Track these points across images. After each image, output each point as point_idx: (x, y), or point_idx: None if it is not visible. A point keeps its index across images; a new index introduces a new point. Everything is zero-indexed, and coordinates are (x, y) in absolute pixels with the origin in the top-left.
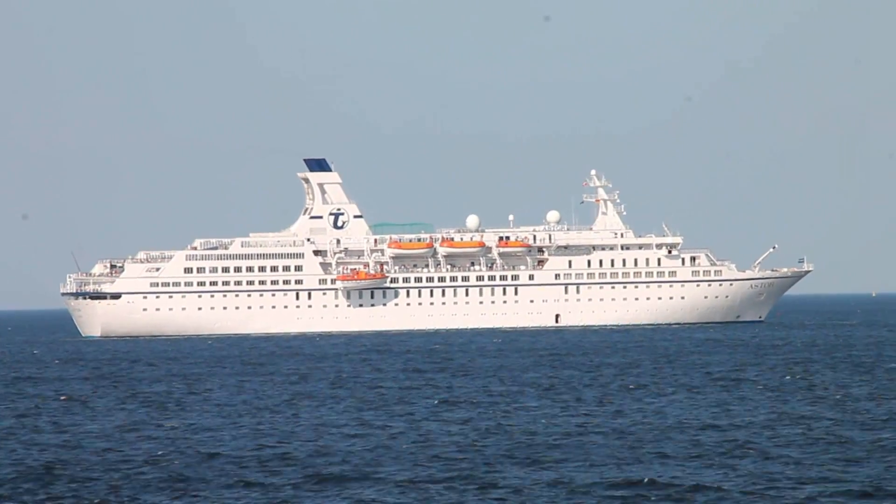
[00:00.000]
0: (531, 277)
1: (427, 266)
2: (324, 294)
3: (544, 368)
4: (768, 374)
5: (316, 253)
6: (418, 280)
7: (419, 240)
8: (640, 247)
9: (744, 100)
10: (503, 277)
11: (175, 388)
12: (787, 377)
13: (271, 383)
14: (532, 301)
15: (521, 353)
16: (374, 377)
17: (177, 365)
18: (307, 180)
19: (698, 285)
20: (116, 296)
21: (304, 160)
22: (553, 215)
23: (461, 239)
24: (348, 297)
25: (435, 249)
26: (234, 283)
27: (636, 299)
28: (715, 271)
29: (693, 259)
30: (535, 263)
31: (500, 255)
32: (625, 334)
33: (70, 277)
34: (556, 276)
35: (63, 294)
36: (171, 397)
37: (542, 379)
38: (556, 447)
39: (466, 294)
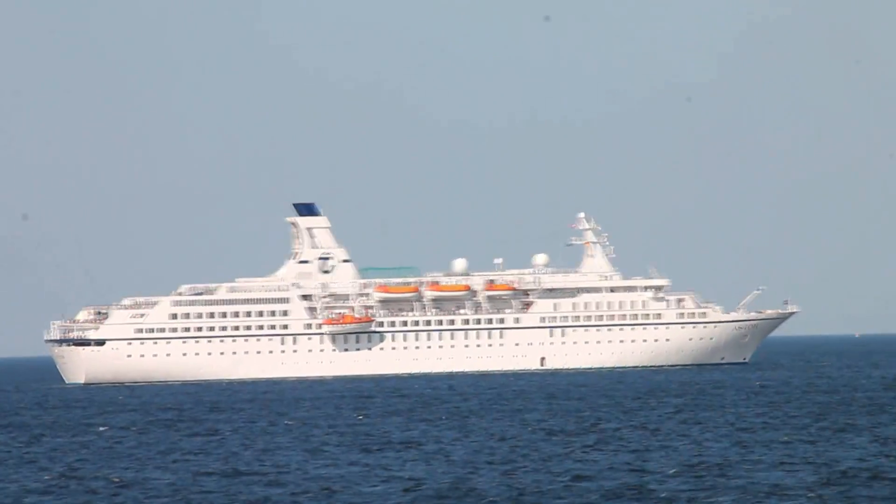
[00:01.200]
0: (517, 320)
1: (413, 309)
2: (309, 339)
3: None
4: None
5: (303, 297)
6: (404, 324)
7: (406, 283)
8: (627, 289)
9: (736, 140)
10: (489, 321)
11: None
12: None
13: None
14: (517, 344)
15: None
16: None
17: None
18: (295, 224)
19: (683, 327)
20: (101, 342)
21: (294, 204)
22: (541, 258)
23: (448, 282)
24: (334, 341)
25: (421, 293)
26: (220, 329)
27: (621, 342)
28: (700, 313)
29: (679, 301)
30: (522, 306)
31: (487, 298)
32: (591, 377)
33: (54, 324)
34: (542, 318)
35: (47, 341)
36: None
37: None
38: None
39: (452, 337)
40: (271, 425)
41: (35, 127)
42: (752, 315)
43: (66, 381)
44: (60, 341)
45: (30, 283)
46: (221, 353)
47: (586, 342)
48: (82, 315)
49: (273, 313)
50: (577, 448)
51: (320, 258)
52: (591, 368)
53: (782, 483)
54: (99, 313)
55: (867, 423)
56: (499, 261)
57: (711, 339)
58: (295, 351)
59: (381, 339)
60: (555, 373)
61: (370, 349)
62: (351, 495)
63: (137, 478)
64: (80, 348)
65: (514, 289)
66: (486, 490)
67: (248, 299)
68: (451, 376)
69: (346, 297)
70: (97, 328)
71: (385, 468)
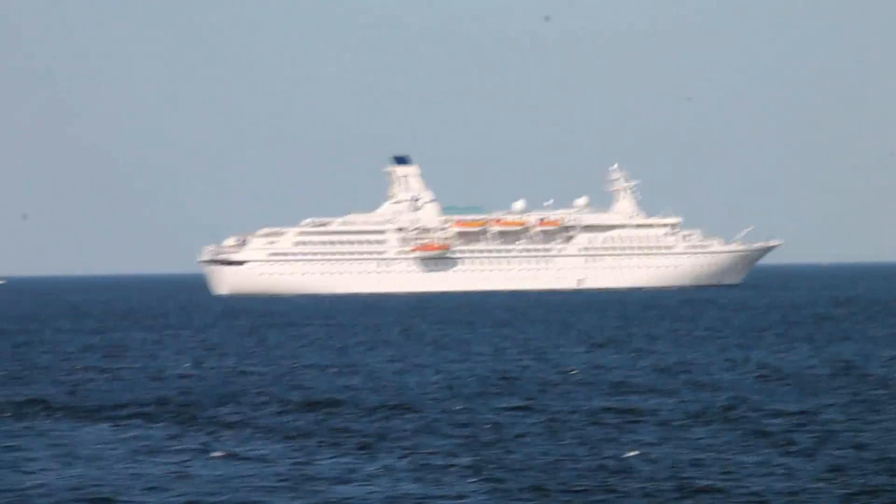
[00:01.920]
0: (561, 250)
1: (482, 240)
2: (401, 262)
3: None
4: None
5: (397, 230)
6: (475, 251)
7: (477, 219)
8: (648, 226)
9: (745, 104)
10: (539, 250)
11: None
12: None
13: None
14: (560, 269)
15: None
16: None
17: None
18: (393, 172)
19: (690, 256)
20: (241, 263)
21: (392, 157)
22: (582, 200)
23: (509, 219)
24: (420, 264)
25: (488, 227)
26: (333, 254)
27: (640, 267)
28: (704, 245)
29: (688, 236)
30: (566, 239)
31: (539, 232)
32: (617, 294)
33: (205, 248)
34: (581, 248)
35: (200, 261)
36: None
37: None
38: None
39: (510, 263)
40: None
41: (166, 62)
42: (744, 247)
43: (214, 293)
44: (210, 262)
45: (187, 214)
46: (333, 273)
47: (614, 268)
48: (228, 241)
49: (374, 242)
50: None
51: (412, 199)
52: (617, 288)
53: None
54: (241, 240)
55: (806, 330)
56: (550, 202)
57: (713, 266)
58: (389, 272)
59: (457, 264)
60: (589, 291)
61: (447, 271)
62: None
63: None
64: (226, 267)
65: (560, 225)
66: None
67: (355, 230)
68: (509, 293)
69: (430, 230)
70: (239, 252)
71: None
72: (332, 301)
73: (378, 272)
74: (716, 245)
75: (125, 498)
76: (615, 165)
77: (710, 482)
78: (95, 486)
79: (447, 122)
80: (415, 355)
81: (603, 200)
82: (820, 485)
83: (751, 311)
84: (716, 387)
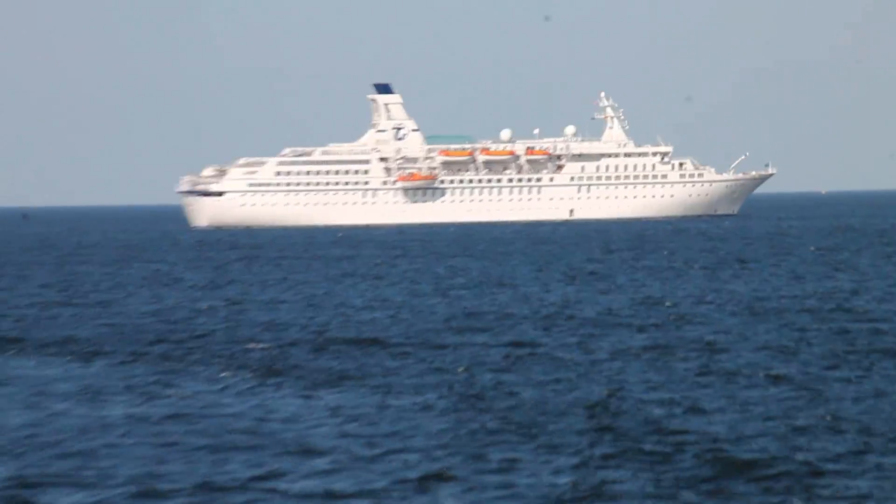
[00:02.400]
0: (551, 180)
1: (469, 170)
2: (386, 192)
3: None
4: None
5: (381, 160)
6: (462, 182)
7: (463, 149)
8: (639, 155)
9: (733, 24)
10: (529, 180)
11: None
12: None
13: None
14: (551, 199)
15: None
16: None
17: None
18: (375, 101)
19: (684, 186)
20: (221, 193)
21: (374, 84)
22: (570, 129)
23: (496, 148)
24: (405, 194)
25: (475, 157)
26: (315, 184)
27: (634, 198)
28: (698, 174)
29: (680, 164)
30: (555, 168)
31: (527, 161)
32: (609, 225)
33: (184, 178)
34: (571, 178)
35: (178, 192)
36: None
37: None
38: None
39: (499, 193)
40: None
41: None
42: (740, 176)
43: (193, 225)
44: (189, 192)
45: (165, 141)
46: (315, 204)
47: (606, 198)
48: (207, 171)
49: (357, 172)
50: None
51: (394, 128)
52: (610, 219)
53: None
54: (219, 170)
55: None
56: (537, 131)
57: (707, 195)
58: (374, 203)
59: (444, 194)
60: (582, 222)
61: (434, 202)
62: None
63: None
64: (205, 198)
65: (549, 154)
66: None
67: (337, 160)
68: (497, 224)
69: (415, 160)
70: (218, 182)
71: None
72: (313, 233)
73: (362, 203)
74: (709, 174)
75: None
76: (602, 93)
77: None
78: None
79: (429, 51)
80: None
81: (591, 130)
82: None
83: (747, 241)
84: (689, 321)
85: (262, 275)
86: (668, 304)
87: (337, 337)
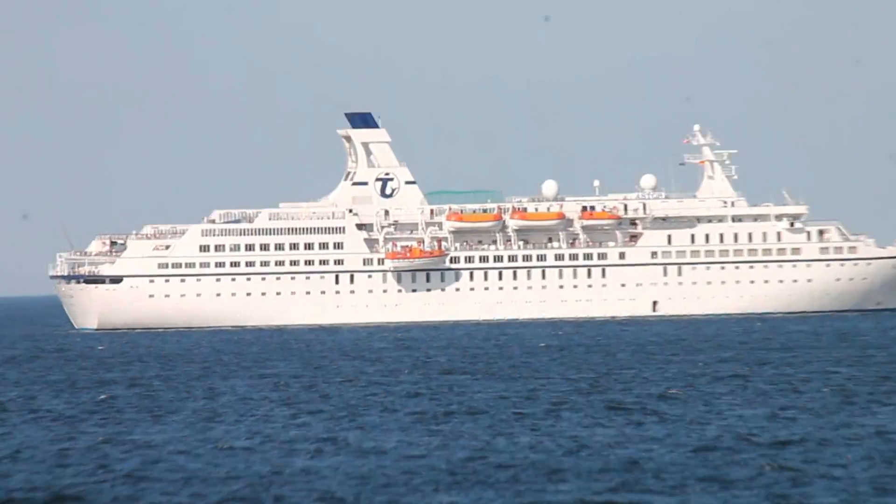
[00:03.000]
0: (622, 256)
1: (495, 242)
2: (369, 276)
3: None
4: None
5: (360, 227)
6: (484, 259)
7: (485, 210)
8: (756, 218)
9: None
10: (588, 256)
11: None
12: None
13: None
14: (623, 285)
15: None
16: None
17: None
18: (349, 139)
19: (828, 265)
20: (117, 279)
21: (346, 115)
22: (648, 180)
23: (536, 209)
24: (399, 279)
25: (504, 222)
26: (261, 264)
27: (751, 282)
28: (849, 248)
29: (821, 233)
30: (627, 239)
31: (584, 228)
32: (736, 324)
33: (61, 257)
34: (653, 253)
35: (52, 277)
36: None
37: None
38: None
39: (543, 276)
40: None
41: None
42: None
43: (76, 326)
44: (68, 277)
45: (32, 200)
46: (263, 294)
47: (708, 283)
48: (94, 246)
49: (325, 245)
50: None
51: (380, 179)
52: (713, 315)
53: None
54: (114, 244)
55: None
56: (597, 183)
57: (864, 279)
58: (352, 291)
59: (457, 278)
60: (670, 320)
61: (443, 290)
62: None
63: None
64: (93, 286)
65: (618, 217)
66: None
67: (294, 228)
68: (542, 322)
69: (412, 227)
70: (113, 262)
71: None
72: (256, 339)
73: (332, 292)
74: (869, 247)
75: None
76: (697, 127)
77: None
78: None
79: (426, 65)
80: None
81: (681, 181)
82: None
83: None
84: None
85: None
86: None
87: None
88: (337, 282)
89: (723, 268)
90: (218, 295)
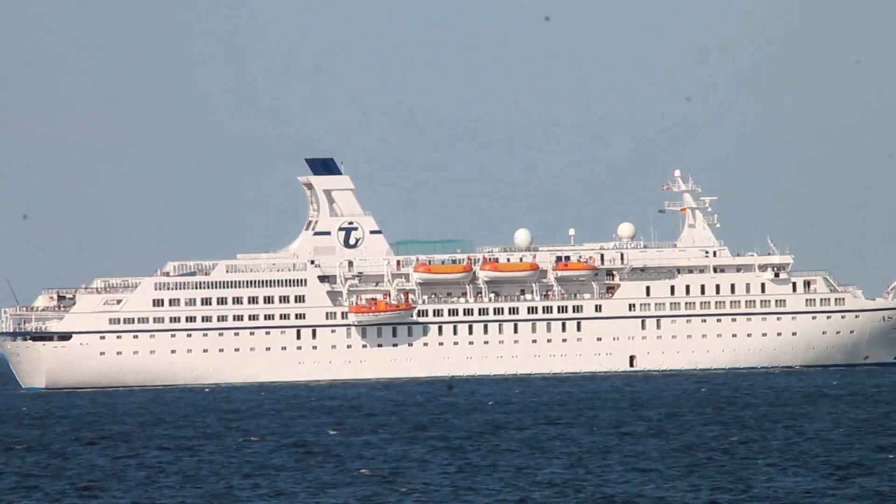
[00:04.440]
0: (598, 308)
1: (465, 295)
2: (333, 331)
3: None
4: None
5: (322, 279)
6: (453, 313)
7: (454, 261)
8: (739, 268)
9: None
10: (562, 309)
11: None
12: None
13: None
14: (600, 339)
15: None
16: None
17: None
18: (310, 186)
19: (814, 317)
20: (66, 336)
21: (307, 160)
22: (626, 229)
23: (508, 260)
24: (364, 334)
25: (475, 273)
26: (218, 319)
27: (734, 336)
28: (836, 299)
29: (807, 284)
30: (604, 291)
31: (559, 280)
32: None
33: (6, 313)
34: (631, 306)
35: None
36: None
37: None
38: None
39: (515, 330)
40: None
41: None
42: None
43: (24, 385)
44: (14, 334)
45: None
46: (220, 350)
47: (689, 336)
48: (41, 300)
49: (285, 299)
50: None
51: (343, 228)
52: (693, 370)
53: None
54: (62, 298)
55: None
56: (572, 232)
57: (852, 332)
58: (314, 347)
59: (425, 332)
60: (647, 376)
61: (411, 345)
62: None
63: None
64: (40, 343)
65: (594, 268)
66: None
67: (252, 281)
68: (512, 380)
69: (377, 279)
70: (61, 318)
71: None
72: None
73: (294, 348)
74: (857, 299)
75: None
76: (677, 172)
77: None
78: None
79: (386, 108)
80: None
81: (660, 230)
82: None
83: None
84: None
85: None
86: None
87: None
88: (298, 337)
89: (704, 320)
90: (173, 352)
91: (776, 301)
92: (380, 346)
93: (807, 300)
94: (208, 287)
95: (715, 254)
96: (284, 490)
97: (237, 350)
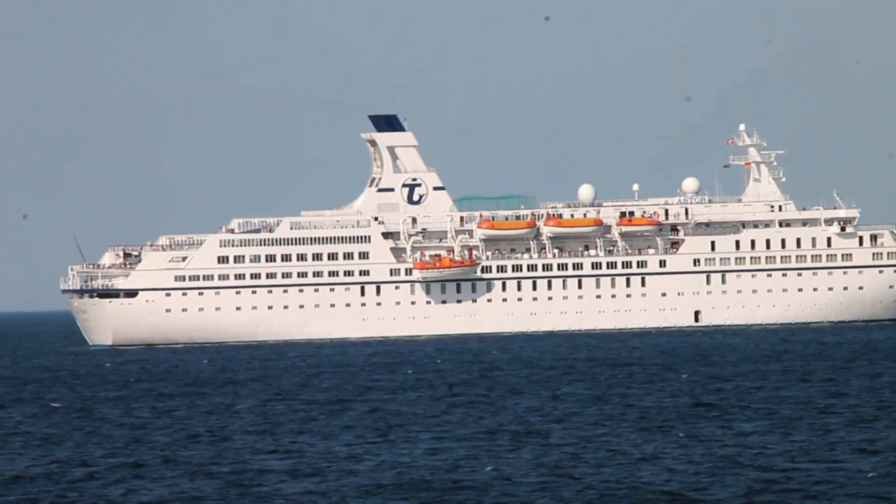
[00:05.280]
0: (663, 264)
1: (528, 251)
2: (397, 288)
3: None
4: None
5: (386, 235)
6: (517, 269)
7: (518, 217)
8: (805, 223)
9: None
10: (626, 264)
11: None
12: None
13: None
14: (664, 294)
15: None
16: None
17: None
18: (374, 143)
19: (881, 271)
20: (132, 293)
21: (370, 117)
22: (690, 184)
23: (572, 216)
24: (428, 290)
25: (538, 229)
26: (283, 276)
27: (800, 290)
28: None
29: (874, 238)
30: (668, 246)
31: (623, 235)
32: (786, 336)
33: (73, 270)
34: (696, 261)
35: (64, 291)
36: None
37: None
38: None
39: (579, 286)
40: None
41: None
42: None
43: (90, 343)
44: (81, 291)
45: (40, 209)
46: (285, 307)
47: (754, 291)
48: (107, 258)
49: (349, 255)
50: None
51: (406, 184)
52: (759, 325)
53: None
54: (128, 255)
55: None
56: (636, 187)
57: None
58: (378, 304)
59: (489, 288)
60: (713, 331)
61: (475, 301)
62: None
63: None
64: (107, 301)
65: (658, 223)
66: None
67: (316, 238)
68: (577, 335)
69: (441, 235)
70: (127, 275)
71: None
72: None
73: (359, 304)
74: None
75: None
76: (742, 126)
77: None
78: None
79: (449, 67)
80: None
81: (725, 185)
82: None
83: None
84: None
85: None
86: None
87: None
88: (362, 294)
89: (769, 275)
90: (238, 308)
91: (842, 255)
92: (444, 302)
93: (874, 254)
94: (273, 244)
95: (780, 208)
96: None
97: (301, 307)
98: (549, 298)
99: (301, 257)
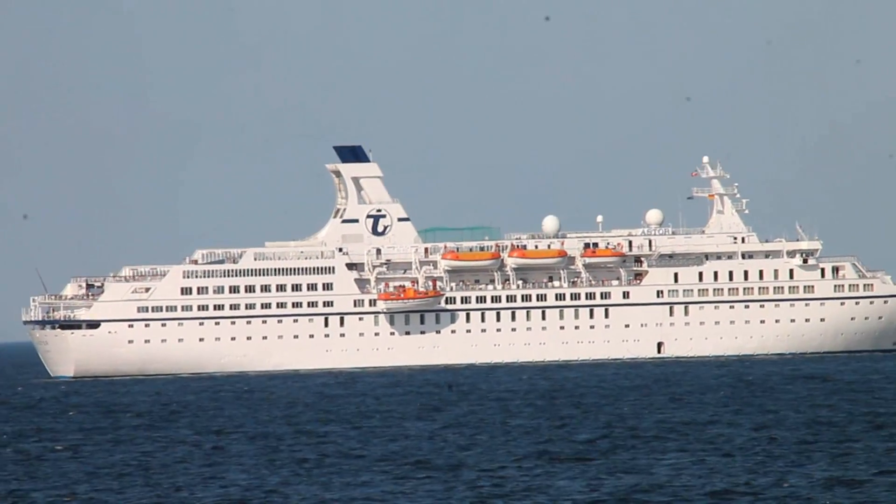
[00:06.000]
0: (626, 295)
1: (493, 282)
2: (361, 319)
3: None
4: None
5: (350, 266)
6: (481, 300)
7: (482, 248)
8: (767, 255)
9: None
10: (590, 296)
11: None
12: None
13: None
14: (628, 326)
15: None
16: None
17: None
18: (338, 173)
19: (843, 303)
20: (94, 324)
21: (335, 148)
22: (654, 215)
23: (536, 247)
24: (392, 321)
25: (502, 260)
26: (246, 307)
27: (762, 322)
28: (864, 285)
29: (836, 270)
30: (632, 277)
31: (586, 266)
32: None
33: (35, 301)
34: (659, 292)
35: (26, 322)
36: None
37: None
38: None
39: (543, 317)
40: None
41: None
42: None
43: (52, 374)
44: (43, 322)
45: (1, 249)
46: (248, 338)
47: (716, 322)
48: (70, 289)
49: (313, 286)
50: None
51: (371, 216)
52: (721, 356)
53: None
54: (90, 286)
55: None
56: (600, 219)
57: (880, 318)
58: (342, 335)
59: (453, 320)
60: (676, 362)
61: (439, 332)
62: None
63: None
64: (68, 332)
65: (622, 254)
66: None
67: (280, 269)
68: (540, 366)
69: (405, 266)
70: (89, 306)
71: None
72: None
73: (321, 335)
74: (886, 284)
75: None
76: (705, 159)
77: None
78: None
79: (415, 97)
80: None
81: (688, 217)
82: None
83: None
84: None
85: None
86: None
87: None
88: (326, 325)
89: (732, 307)
90: (201, 340)
91: (804, 287)
92: (408, 333)
93: (835, 286)
94: (236, 275)
95: (743, 240)
96: None
97: (265, 338)
98: (513, 329)
99: (265, 288)
